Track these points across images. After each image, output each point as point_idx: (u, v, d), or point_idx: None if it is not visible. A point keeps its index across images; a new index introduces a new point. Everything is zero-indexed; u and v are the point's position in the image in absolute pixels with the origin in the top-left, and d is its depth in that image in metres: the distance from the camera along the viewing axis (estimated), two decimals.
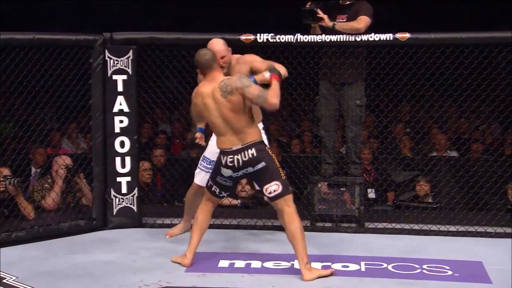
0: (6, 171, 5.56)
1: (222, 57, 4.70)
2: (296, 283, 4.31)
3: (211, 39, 5.67)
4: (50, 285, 4.19)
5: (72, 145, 7.31)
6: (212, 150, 4.92)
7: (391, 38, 5.47)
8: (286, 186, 4.44)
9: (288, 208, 4.42)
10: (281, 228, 4.76)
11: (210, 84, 4.43)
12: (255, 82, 4.44)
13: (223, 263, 4.68)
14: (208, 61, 4.45)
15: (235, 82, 4.33)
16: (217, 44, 4.80)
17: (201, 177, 5.07)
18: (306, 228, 5.62)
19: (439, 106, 6.95)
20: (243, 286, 4.26)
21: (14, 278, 4.34)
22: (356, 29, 5.49)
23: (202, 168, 5.09)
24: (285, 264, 4.65)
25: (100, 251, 4.95)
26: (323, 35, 5.58)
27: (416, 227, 5.60)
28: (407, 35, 5.45)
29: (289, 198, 4.45)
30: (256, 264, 4.65)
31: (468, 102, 6.22)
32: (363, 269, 4.61)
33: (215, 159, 4.64)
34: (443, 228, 5.55)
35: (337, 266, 4.62)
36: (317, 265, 4.62)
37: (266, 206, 5.82)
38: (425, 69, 5.81)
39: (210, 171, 4.74)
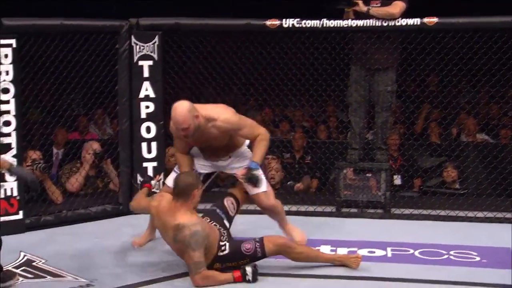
0: (35, 155, 5.64)
1: (184, 129, 4.14)
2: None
3: (236, 24, 5.71)
4: (78, 268, 4.24)
5: (99, 131, 7.37)
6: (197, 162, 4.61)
7: (419, 23, 5.43)
8: None
9: None
10: None
11: (171, 211, 4.02)
12: (258, 166, 4.34)
13: None
14: (187, 189, 4.00)
15: (187, 238, 3.90)
16: (180, 114, 4.11)
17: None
18: (331, 214, 5.71)
19: (467, 92, 6.88)
20: None
21: (43, 261, 4.42)
22: (391, 14, 5.45)
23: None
24: None
25: (126, 235, 5.00)
26: (352, 20, 5.56)
27: (443, 213, 5.58)
28: (435, 19, 5.41)
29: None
30: None
31: (497, 87, 6.17)
32: (389, 254, 4.61)
33: (198, 168, 4.55)
34: (470, 214, 5.52)
35: (363, 251, 4.62)
36: (343, 250, 4.64)
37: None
38: (453, 54, 5.76)
39: None
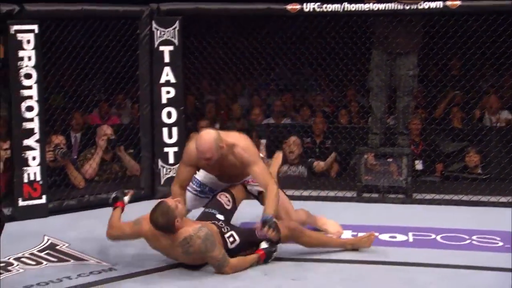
0: (58, 140, 5.69)
1: (207, 159, 4.03)
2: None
3: (256, 9, 5.67)
4: (101, 252, 4.28)
5: (120, 116, 7.41)
6: (204, 174, 4.43)
7: (441, 6, 5.38)
8: None
9: None
10: None
11: (168, 235, 3.87)
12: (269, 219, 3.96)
13: None
14: (167, 226, 3.80)
15: (202, 246, 3.80)
16: (205, 144, 3.99)
17: (187, 199, 4.40)
18: (352, 199, 5.71)
19: (490, 76, 6.81)
20: None
21: (66, 245, 4.46)
22: None
23: (190, 189, 4.45)
24: None
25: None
26: (374, 3, 5.51)
27: (465, 198, 5.55)
28: (458, 2, 5.35)
29: None
30: None
31: None
32: (411, 239, 4.59)
33: (205, 182, 4.39)
34: (493, 199, 5.49)
35: (385, 236, 4.62)
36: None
37: None
38: (476, 37, 5.70)
39: (198, 193, 4.42)
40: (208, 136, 4.00)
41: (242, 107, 7.41)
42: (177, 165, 5.57)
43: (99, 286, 3.79)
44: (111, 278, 3.87)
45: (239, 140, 4.13)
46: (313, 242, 4.23)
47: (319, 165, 6.37)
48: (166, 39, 5.72)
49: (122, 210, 4.24)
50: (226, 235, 4.00)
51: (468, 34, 5.72)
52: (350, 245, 4.30)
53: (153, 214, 3.82)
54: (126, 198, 4.31)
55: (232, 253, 3.95)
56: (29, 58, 5.09)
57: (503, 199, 5.46)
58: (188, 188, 4.37)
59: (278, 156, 4.82)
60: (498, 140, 6.16)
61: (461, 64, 6.91)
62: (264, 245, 4.01)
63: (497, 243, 4.49)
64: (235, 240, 4.01)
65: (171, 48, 5.74)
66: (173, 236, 3.83)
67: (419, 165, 6.30)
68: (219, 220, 4.11)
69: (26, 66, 5.09)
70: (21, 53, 5.06)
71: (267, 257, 4.02)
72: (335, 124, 6.71)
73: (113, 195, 4.29)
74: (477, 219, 5.05)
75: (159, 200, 3.93)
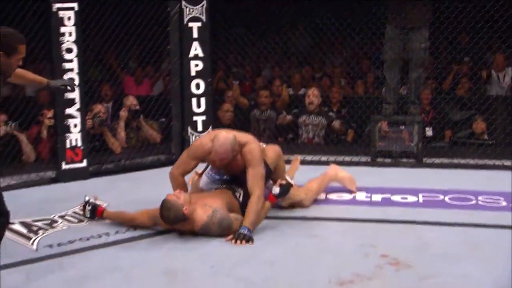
0: (97, 109, 5.73)
1: (222, 159, 3.93)
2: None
3: None
4: (137, 211, 4.31)
5: (152, 84, 7.36)
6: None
7: None
8: None
9: None
10: None
11: (185, 223, 3.79)
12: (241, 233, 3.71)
13: None
14: (178, 218, 3.74)
15: (217, 229, 3.77)
16: (222, 147, 3.89)
17: (203, 183, 4.30)
18: (366, 163, 5.70)
19: (497, 48, 6.70)
20: None
21: (105, 204, 4.49)
22: None
23: (208, 176, 4.29)
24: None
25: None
26: None
27: (471, 162, 5.51)
28: None
29: None
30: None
31: None
32: (421, 200, 4.58)
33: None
34: (498, 162, 5.45)
35: (397, 198, 4.61)
36: (377, 197, 4.63)
37: None
38: (484, 12, 5.61)
39: (216, 179, 4.22)
40: (226, 141, 3.89)
41: (265, 78, 7.38)
42: (205, 133, 5.64)
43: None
44: (147, 235, 3.91)
45: (249, 142, 4.00)
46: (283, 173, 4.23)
47: (337, 123, 6.33)
48: (194, 16, 5.71)
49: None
50: (237, 194, 4.00)
51: (477, 9, 5.62)
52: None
53: (162, 214, 3.75)
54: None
55: (244, 207, 3.90)
56: (70, 34, 5.12)
57: (507, 163, 5.43)
58: (206, 174, 4.26)
59: (296, 160, 4.73)
60: (503, 108, 6.09)
61: (470, 37, 6.80)
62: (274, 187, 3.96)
63: (501, 203, 4.46)
64: (240, 194, 4.00)
65: (199, 24, 5.74)
66: (190, 222, 3.77)
67: (429, 132, 6.26)
68: (231, 183, 4.08)
69: (67, 41, 5.11)
70: (62, 29, 5.09)
71: (276, 196, 3.95)
72: (351, 95, 6.67)
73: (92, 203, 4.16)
74: (483, 181, 5.02)
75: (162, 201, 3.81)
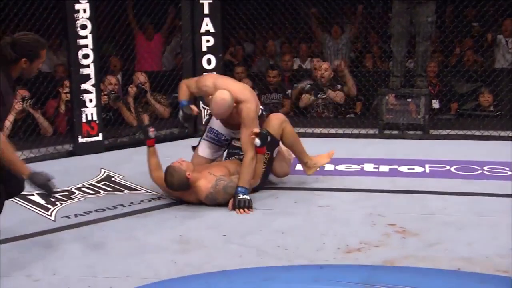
0: (111, 84, 5.71)
1: (218, 114, 3.98)
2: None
3: None
4: (151, 184, 4.28)
5: (162, 45, 7.19)
6: (219, 125, 4.24)
7: None
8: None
9: None
10: None
11: (191, 192, 3.85)
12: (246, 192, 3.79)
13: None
14: (183, 185, 3.78)
15: (223, 196, 3.80)
16: (220, 104, 3.88)
17: (203, 148, 4.30)
18: (374, 136, 5.69)
19: (503, 21, 6.59)
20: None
21: (120, 176, 4.54)
22: None
23: (207, 138, 4.29)
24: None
25: (191, 156, 5.05)
26: None
27: (477, 133, 5.48)
28: None
29: None
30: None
31: None
32: (427, 171, 4.56)
33: (221, 131, 4.21)
34: (503, 133, 5.42)
35: (404, 168, 4.60)
36: (385, 168, 4.62)
37: None
38: None
39: (215, 142, 4.25)
40: (223, 102, 3.87)
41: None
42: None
43: None
44: (160, 205, 3.94)
45: (247, 101, 3.96)
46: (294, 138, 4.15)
47: (338, 95, 6.26)
48: None
49: (153, 148, 4.13)
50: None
51: None
52: (311, 161, 4.22)
53: (166, 181, 3.79)
54: (152, 134, 4.14)
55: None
56: (84, 11, 5.09)
57: None
58: (205, 137, 4.28)
59: (330, 153, 4.38)
60: (509, 80, 6.02)
61: (476, 11, 6.69)
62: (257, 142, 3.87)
63: (506, 173, 4.44)
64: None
65: (210, 0, 5.68)
66: (195, 191, 3.81)
67: (435, 104, 6.21)
68: (239, 154, 4.08)
69: (82, 17, 5.09)
70: (77, 6, 5.06)
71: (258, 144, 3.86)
72: (359, 68, 6.61)
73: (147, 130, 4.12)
74: (488, 152, 4.99)
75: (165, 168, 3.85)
